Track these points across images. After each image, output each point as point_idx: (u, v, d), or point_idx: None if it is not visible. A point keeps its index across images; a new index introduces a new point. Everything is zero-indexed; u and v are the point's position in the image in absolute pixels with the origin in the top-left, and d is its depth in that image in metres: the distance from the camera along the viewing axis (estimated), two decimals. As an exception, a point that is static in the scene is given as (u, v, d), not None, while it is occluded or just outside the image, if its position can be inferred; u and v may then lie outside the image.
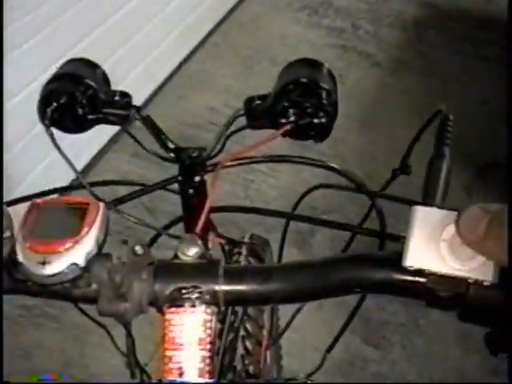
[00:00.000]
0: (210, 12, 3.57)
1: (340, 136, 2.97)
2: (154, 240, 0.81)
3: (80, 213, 0.58)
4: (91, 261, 0.57)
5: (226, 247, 1.18)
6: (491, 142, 3.10)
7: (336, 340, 0.90)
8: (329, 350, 0.93)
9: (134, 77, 2.73)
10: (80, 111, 0.71)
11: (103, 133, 2.65)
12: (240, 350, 1.08)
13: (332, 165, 0.79)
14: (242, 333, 1.11)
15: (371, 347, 2.15)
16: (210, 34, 3.62)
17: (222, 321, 1.14)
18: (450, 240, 0.46)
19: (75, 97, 0.70)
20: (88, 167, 2.63)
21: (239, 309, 1.15)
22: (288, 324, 0.91)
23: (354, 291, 0.54)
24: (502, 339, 0.49)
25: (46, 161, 2.25)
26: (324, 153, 2.89)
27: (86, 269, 0.56)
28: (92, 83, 0.71)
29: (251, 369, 1.07)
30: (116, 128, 0.75)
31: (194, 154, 0.70)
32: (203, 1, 3.39)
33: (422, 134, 0.66)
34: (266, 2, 4.09)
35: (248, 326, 1.14)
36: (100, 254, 0.58)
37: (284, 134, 0.69)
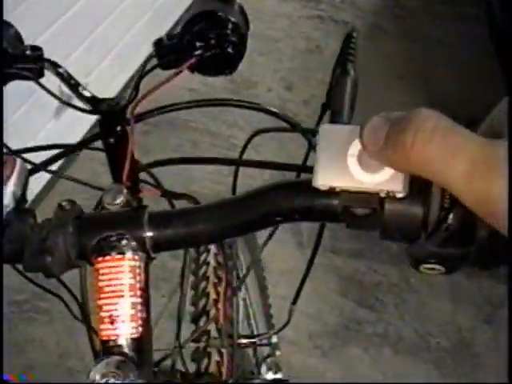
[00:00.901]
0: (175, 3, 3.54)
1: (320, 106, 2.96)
2: None
3: None
4: (10, 218, 0.57)
5: None
6: (476, 101, 3.08)
7: (299, 289, 0.89)
8: (294, 302, 0.91)
9: (106, 65, 2.71)
10: None
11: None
12: (212, 295, 1.08)
13: (270, 108, 0.79)
14: (214, 280, 1.11)
15: (365, 309, 2.15)
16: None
17: (195, 273, 1.13)
18: (356, 154, 0.45)
19: None
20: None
21: (211, 258, 1.15)
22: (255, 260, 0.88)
23: (277, 221, 0.54)
24: (421, 251, 0.47)
25: None
26: (305, 122, 2.87)
27: (5, 225, 0.56)
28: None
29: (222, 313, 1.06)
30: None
31: (112, 103, 0.69)
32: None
33: (342, 63, 0.64)
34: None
35: (219, 272, 1.15)
36: (21, 210, 0.58)
37: (191, 69, 0.68)
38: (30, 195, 0.61)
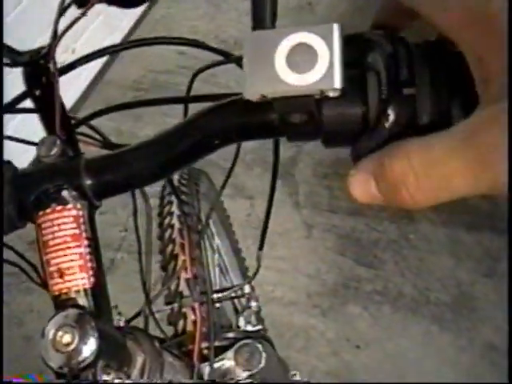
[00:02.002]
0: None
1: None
2: None
3: None
4: None
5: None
6: None
7: (264, 233, 0.85)
8: (260, 247, 0.88)
9: (95, 27, 2.66)
10: None
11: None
12: (179, 240, 1.08)
13: (198, 40, 0.74)
14: (178, 226, 1.11)
15: (364, 267, 2.14)
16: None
17: (161, 252, 1.11)
18: (284, 56, 0.42)
19: None
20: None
21: (175, 210, 1.13)
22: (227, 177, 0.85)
23: (216, 145, 0.51)
24: (366, 150, 0.45)
25: None
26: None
27: None
28: None
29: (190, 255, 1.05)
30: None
31: (33, 53, 0.65)
32: None
33: None
34: None
35: (184, 219, 1.13)
36: None
37: (107, 1, 0.64)
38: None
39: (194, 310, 0.91)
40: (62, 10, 0.65)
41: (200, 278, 1.03)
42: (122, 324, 0.68)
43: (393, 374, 1.89)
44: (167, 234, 1.11)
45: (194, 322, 0.90)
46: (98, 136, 0.75)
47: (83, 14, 0.63)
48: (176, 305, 0.96)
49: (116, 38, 2.90)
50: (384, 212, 2.28)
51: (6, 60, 0.67)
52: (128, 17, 3.08)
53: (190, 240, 1.01)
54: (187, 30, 3.15)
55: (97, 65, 2.78)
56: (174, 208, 1.18)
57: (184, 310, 0.95)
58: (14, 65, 0.66)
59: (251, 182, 2.35)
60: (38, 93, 0.66)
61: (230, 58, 0.70)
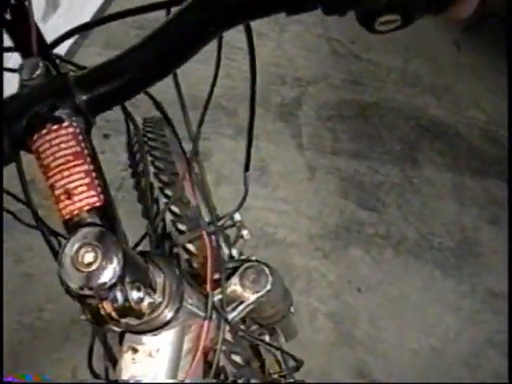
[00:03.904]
0: None
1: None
2: None
3: None
4: None
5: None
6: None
7: (248, 152, 0.80)
8: (246, 168, 0.83)
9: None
10: None
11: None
12: (169, 217, 1.04)
13: None
14: (163, 200, 1.07)
15: (366, 210, 2.11)
16: None
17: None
18: None
19: None
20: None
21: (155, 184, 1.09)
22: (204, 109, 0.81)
23: (211, 31, 0.48)
24: (372, 5, 0.42)
25: None
26: (302, 20, 2.77)
27: None
28: None
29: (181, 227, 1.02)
30: None
31: None
32: None
33: None
34: None
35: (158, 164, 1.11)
36: None
37: None
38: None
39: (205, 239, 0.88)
40: None
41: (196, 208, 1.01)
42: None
43: (394, 317, 1.89)
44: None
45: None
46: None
47: None
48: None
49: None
50: (387, 155, 2.25)
51: None
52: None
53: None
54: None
55: (97, 2, 2.70)
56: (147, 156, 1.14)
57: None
58: None
59: (253, 123, 2.30)
60: (8, 17, 0.62)
61: None
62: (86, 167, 0.51)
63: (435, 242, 2.06)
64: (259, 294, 0.77)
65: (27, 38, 0.59)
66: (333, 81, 2.46)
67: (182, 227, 1.00)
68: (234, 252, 1.02)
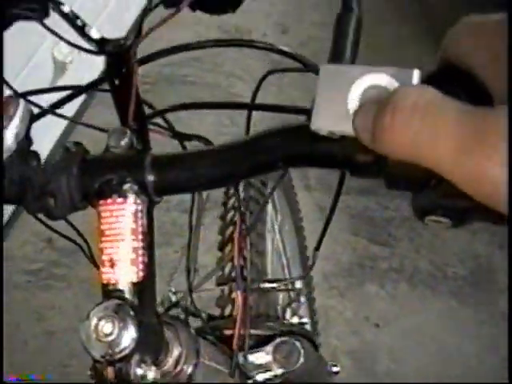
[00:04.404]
0: None
1: (317, 47, 2.93)
2: None
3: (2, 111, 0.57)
4: (13, 159, 0.55)
5: None
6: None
7: (322, 236, 0.86)
8: (317, 247, 0.89)
9: (99, 24, 2.67)
10: None
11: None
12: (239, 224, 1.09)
13: (281, 47, 0.77)
14: (242, 209, 1.11)
15: (379, 246, 2.14)
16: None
17: (222, 217, 1.11)
18: (358, 96, 0.41)
19: None
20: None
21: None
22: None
23: (279, 166, 0.52)
24: (426, 202, 0.44)
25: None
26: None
27: (7, 167, 0.55)
28: None
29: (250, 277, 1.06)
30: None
31: (117, 43, 0.68)
32: None
33: None
34: None
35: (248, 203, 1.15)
36: (23, 151, 0.57)
37: (192, 7, 0.66)
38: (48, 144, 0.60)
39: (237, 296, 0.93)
40: (148, 9, 0.67)
41: (254, 266, 1.04)
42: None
43: (413, 350, 1.89)
44: (229, 216, 1.11)
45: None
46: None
47: (172, 15, 0.67)
48: (226, 288, 0.98)
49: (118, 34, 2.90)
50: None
51: (90, 47, 0.70)
52: (131, 10, 3.09)
53: (249, 225, 1.03)
54: (191, 20, 3.15)
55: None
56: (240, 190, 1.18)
57: (233, 295, 0.97)
58: (98, 53, 0.69)
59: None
60: (117, 82, 0.68)
61: (308, 66, 0.71)
62: (135, 244, 0.54)
63: (449, 271, 2.08)
64: (286, 370, 0.80)
65: (127, 106, 0.65)
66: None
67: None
68: (288, 313, 1.06)
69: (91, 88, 0.76)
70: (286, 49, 0.75)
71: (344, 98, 0.41)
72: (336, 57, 0.48)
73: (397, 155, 0.36)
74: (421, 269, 2.08)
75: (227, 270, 1.02)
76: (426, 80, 0.40)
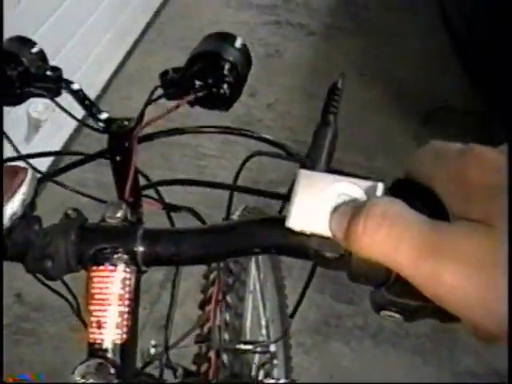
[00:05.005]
0: (140, 9, 3.58)
1: (284, 109, 3.02)
2: None
3: (9, 177, 0.63)
4: (16, 223, 0.61)
5: None
6: (434, 86, 3.17)
7: (298, 303, 0.93)
8: (292, 315, 0.96)
9: (91, 62, 2.77)
10: (11, 86, 0.77)
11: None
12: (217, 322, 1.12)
13: (265, 136, 0.83)
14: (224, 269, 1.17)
15: (343, 303, 2.20)
16: (144, 31, 3.63)
17: (203, 292, 1.17)
18: (331, 202, 0.46)
19: (5, 73, 0.76)
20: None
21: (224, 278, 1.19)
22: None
23: (255, 252, 0.58)
24: (381, 298, 0.49)
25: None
26: (270, 126, 2.93)
27: (11, 229, 0.61)
28: (23, 59, 0.77)
29: (227, 337, 1.11)
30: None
31: (121, 124, 0.74)
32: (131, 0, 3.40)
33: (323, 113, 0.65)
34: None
35: (228, 298, 1.18)
36: (27, 216, 0.63)
37: (190, 104, 0.73)
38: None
39: (208, 355, 0.98)
40: (152, 100, 0.74)
41: (231, 326, 1.09)
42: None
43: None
44: (212, 276, 1.17)
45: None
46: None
47: (177, 107, 0.72)
48: (203, 346, 1.02)
49: (91, 95, 2.97)
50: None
51: (95, 125, 0.77)
52: (102, 72, 3.17)
53: (228, 286, 1.08)
54: (161, 81, 3.23)
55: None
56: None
57: (210, 353, 1.01)
58: (102, 132, 0.76)
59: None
60: (118, 158, 0.75)
61: (294, 156, 0.77)
62: (122, 309, 0.60)
63: (411, 329, 2.14)
64: None
65: (125, 180, 0.71)
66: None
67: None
68: (261, 374, 1.11)
69: (93, 159, 0.82)
70: (271, 138, 0.82)
71: (318, 202, 0.47)
72: (311, 163, 0.52)
73: (364, 254, 0.41)
74: (384, 326, 2.14)
75: (205, 328, 1.06)
76: (392, 188, 0.46)
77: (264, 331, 1.43)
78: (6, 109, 0.79)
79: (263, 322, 1.43)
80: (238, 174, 0.82)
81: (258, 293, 1.43)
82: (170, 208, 0.85)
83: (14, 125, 2.26)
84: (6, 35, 0.82)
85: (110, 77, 3.22)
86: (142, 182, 0.84)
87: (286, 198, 0.72)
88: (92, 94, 2.95)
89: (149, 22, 3.70)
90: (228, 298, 1.17)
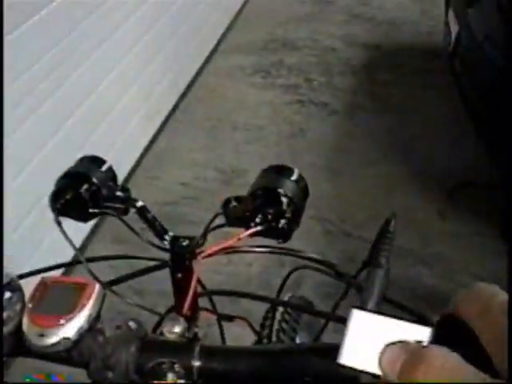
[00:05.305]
0: (169, 90, 3.71)
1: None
2: None
3: (79, 292, 0.68)
4: (83, 335, 0.66)
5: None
6: (456, 162, 3.21)
7: None
8: None
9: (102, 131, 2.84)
10: (84, 206, 0.80)
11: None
12: None
13: (312, 255, 0.86)
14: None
15: None
16: (172, 112, 3.75)
17: None
18: (382, 341, 0.48)
19: (80, 194, 0.79)
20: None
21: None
22: None
23: (307, 381, 0.61)
24: None
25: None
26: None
27: (78, 341, 0.66)
28: (96, 181, 0.80)
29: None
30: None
31: (185, 244, 0.77)
32: (161, 81, 3.53)
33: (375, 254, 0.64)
34: (221, 72, 4.25)
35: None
36: (93, 329, 0.67)
37: (251, 235, 0.76)
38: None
39: None
40: (213, 227, 0.77)
41: None
42: None
43: None
44: (264, 333, 1.21)
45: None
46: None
47: (239, 239, 0.74)
48: None
49: (120, 176, 3.04)
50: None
51: (159, 243, 0.80)
52: (132, 153, 3.25)
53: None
54: (188, 161, 3.33)
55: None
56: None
57: None
58: (166, 250, 0.79)
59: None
60: (179, 275, 0.78)
61: (341, 276, 0.81)
62: None
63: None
64: None
65: (184, 295, 0.74)
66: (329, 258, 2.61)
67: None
68: None
69: (153, 271, 0.85)
70: (318, 257, 0.85)
71: (369, 342, 0.49)
72: (363, 303, 0.55)
73: None
74: None
75: None
76: (436, 332, 0.48)
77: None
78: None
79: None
80: (281, 288, 0.84)
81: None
82: (224, 318, 0.89)
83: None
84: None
85: (138, 158, 3.31)
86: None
87: (327, 317, 0.74)
88: (121, 174, 3.04)
89: (177, 102, 3.82)
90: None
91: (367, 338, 0.49)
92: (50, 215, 0.79)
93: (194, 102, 3.91)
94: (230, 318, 0.89)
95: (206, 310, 0.85)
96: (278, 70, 4.27)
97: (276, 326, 1.21)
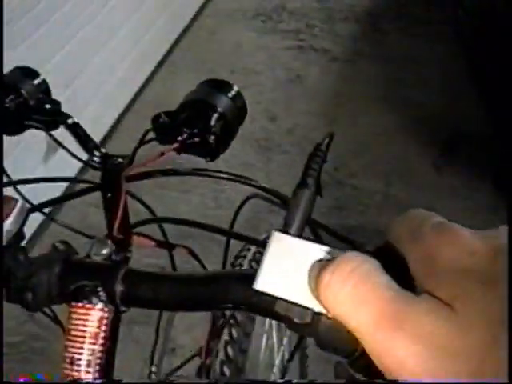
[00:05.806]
0: (165, 31, 3.63)
1: (304, 135, 3.02)
2: None
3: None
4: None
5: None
6: (453, 116, 3.16)
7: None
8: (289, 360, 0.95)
9: (93, 108, 2.76)
10: (9, 117, 0.77)
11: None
12: (221, 355, 1.13)
13: (258, 183, 0.82)
14: (225, 337, 1.15)
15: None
16: (168, 53, 3.67)
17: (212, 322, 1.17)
18: (304, 269, 0.44)
19: (3, 104, 0.76)
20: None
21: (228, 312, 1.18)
22: None
23: (228, 307, 0.59)
24: (342, 372, 0.47)
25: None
26: (288, 151, 2.94)
27: None
28: (23, 91, 0.77)
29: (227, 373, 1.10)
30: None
31: (117, 162, 0.73)
32: (156, 20, 3.45)
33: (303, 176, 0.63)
34: (221, 14, 4.16)
35: (234, 331, 1.18)
36: (13, 247, 0.63)
37: (177, 151, 0.72)
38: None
39: None
40: (142, 142, 0.73)
41: (234, 362, 1.09)
42: None
43: None
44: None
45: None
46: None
47: (162, 155, 0.71)
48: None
49: (111, 117, 2.99)
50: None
51: (90, 161, 0.76)
52: (125, 94, 3.19)
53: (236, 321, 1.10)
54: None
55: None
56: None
57: None
58: (96, 168, 0.75)
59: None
60: (109, 195, 0.74)
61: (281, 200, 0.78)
62: (95, 347, 0.60)
63: None
64: None
65: (115, 215, 0.71)
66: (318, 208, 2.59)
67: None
68: None
69: (84, 193, 0.82)
70: (260, 184, 0.82)
71: (287, 268, 0.45)
72: (285, 226, 0.50)
73: (329, 311, 0.40)
74: None
75: (208, 361, 1.06)
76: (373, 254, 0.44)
77: (276, 370, 1.41)
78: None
79: (277, 362, 1.41)
80: (234, 219, 0.81)
81: (274, 331, 1.41)
82: (164, 246, 0.85)
83: (34, 143, 2.27)
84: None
85: (131, 99, 3.25)
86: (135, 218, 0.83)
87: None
88: (112, 115, 2.99)
89: (173, 43, 3.75)
90: (234, 333, 1.16)
91: (285, 263, 0.45)
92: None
93: (191, 43, 3.83)
94: (171, 246, 0.85)
95: (140, 234, 0.81)
96: (279, 15, 4.18)
97: (246, 266, 1.18)
